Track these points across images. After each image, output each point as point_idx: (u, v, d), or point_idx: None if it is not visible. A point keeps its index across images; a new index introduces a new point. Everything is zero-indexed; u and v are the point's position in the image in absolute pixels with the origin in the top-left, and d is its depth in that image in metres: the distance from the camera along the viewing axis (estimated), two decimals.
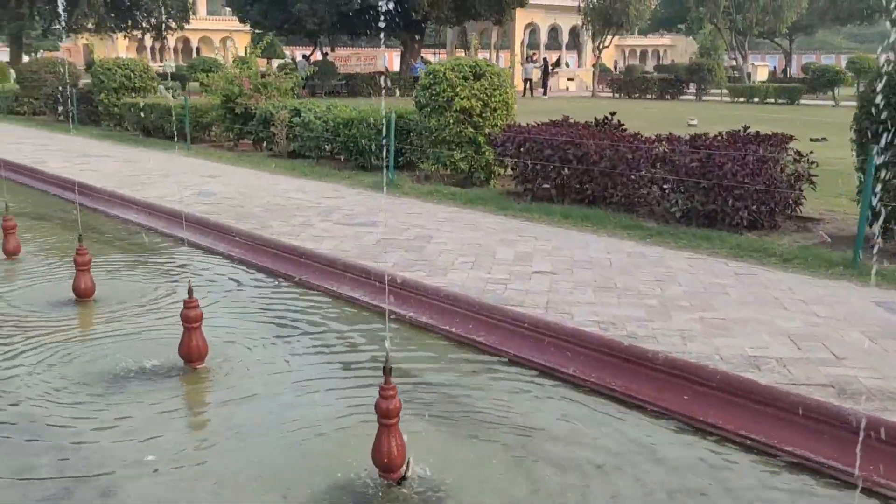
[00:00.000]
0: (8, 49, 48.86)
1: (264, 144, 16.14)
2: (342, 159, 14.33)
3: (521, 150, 10.70)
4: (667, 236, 8.45)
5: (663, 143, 9.63)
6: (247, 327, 5.91)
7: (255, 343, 5.58)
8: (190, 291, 4.98)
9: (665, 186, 9.33)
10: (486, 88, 11.74)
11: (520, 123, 11.53)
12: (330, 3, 36.58)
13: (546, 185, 10.51)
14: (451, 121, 11.70)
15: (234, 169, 13.69)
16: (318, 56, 48.47)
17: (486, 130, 11.74)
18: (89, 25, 40.51)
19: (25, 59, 40.52)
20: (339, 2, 36.36)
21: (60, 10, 35.68)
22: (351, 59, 44.72)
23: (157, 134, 18.73)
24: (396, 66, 54.06)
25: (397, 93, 41.07)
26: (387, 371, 3.64)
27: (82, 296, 6.40)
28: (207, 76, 17.32)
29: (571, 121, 11.34)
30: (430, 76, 12.05)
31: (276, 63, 38.45)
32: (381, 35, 43.31)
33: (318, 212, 9.73)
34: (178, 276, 7.32)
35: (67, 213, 10.58)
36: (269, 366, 5.18)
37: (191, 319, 4.94)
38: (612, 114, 11.45)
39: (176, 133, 18.12)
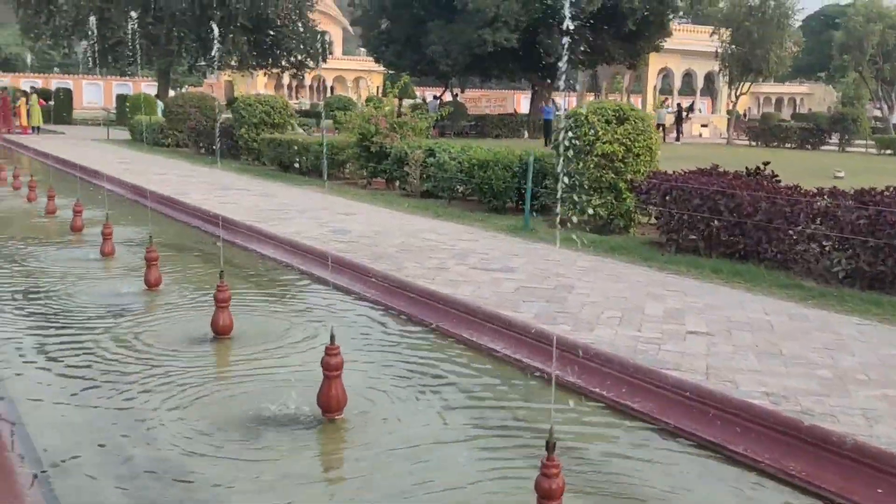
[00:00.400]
0: (156, 83, 51.45)
1: (397, 183, 16.14)
2: (475, 201, 14.13)
3: (667, 198, 10.20)
4: (830, 298, 7.77)
5: (825, 196, 8.95)
6: (383, 376, 5.64)
7: (392, 394, 5.30)
8: (332, 338, 4.75)
9: (826, 244, 8.65)
10: (629, 133, 11.34)
11: (664, 171, 11.03)
12: (464, 45, 36.89)
13: (692, 237, 9.95)
14: (592, 165, 11.33)
15: (368, 207, 13.66)
16: (447, 97, 48.99)
17: (628, 176, 11.31)
18: (232, 63, 42.12)
19: (171, 93, 42.45)
20: (472, 44, 36.62)
21: (214, 48, 37.19)
22: (481, 100, 44.99)
23: (293, 169, 19.05)
24: (523, 108, 54.10)
25: (525, 135, 41.02)
26: (550, 446, 3.27)
27: (220, 333, 6.30)
28: (344, 114, 17.51)
29: (721, 169, 10.77)
30: (572, 119, 11.72)
31: (406, 103, 39.04)
32: (556, 75, 43.36)
33: (452, 254, 9.48)
34: (314, 317, 7.16)
35: (206, 244, 10.70)
36: (409, 421, 4.88)
37: (331, 367, 4.71)
38: (766, 164, 10.83)
39: (311, 169, 18.41)
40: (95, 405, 5.03)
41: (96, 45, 39.19)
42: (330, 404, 4.74)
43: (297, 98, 68.00)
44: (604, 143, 11.26)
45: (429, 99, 47.60)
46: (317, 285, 8.41)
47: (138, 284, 7.96)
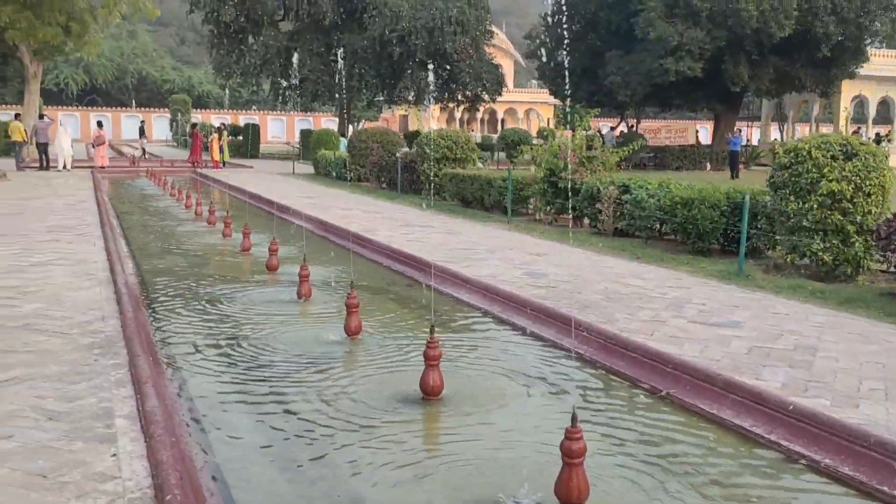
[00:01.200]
0: (335, 118, 53.16)
1: (585, 221, 15.42)
2: (674, 241, 13.22)
3: None
4: None
5: None
6: (620, 457, 4.93)
7: (635, 482, 4.58)
8: (573, 419, 4.09)
9: None
10: (859, 170, 10.17)
11: None
12: (644, 75, 35.80)
13: None
14: (815, 205, 10.24)
15: (560, 247, 13.00)
16: (622, 128, 47.82)
17: (857, 218, 10.14)
18: (410, 97, 42.82)
19: (350, 128, 43.60)
20: (652, 74, 35.47)
21: (431, 84, 37.90)
22: (661, 131, 43.55)
23: (475, 205, 18.70)
24: (701, 138, 52.13)
25: (708, 167, 39.34)
26: None
27: (430, 394, 5.78)
28: (532, 149, 17.01)
29: None
30: (792, 154, 10.66)
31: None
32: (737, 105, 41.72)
33: (665, 304, 8.65)
34: (527, 376, 6.52)
35: (400, 286, 10.34)
36: None
37: (573, 454, 4.05)
38: None
39: (493, 205, 17.97)
40: (307, 477, 4.60)
41: (283, 82, 40.79)
42: (571, 497, 4.08)
43: (469, 131, 68.55)
44: (829, 180, 10.16)
45: (604, 130, 46.60)
46: (522, 337, 7.80)
47: (338, 331, 7.60)
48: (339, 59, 31.83)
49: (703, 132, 60.71)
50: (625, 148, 16.82)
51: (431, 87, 37.82)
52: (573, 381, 6.43)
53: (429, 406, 5.74)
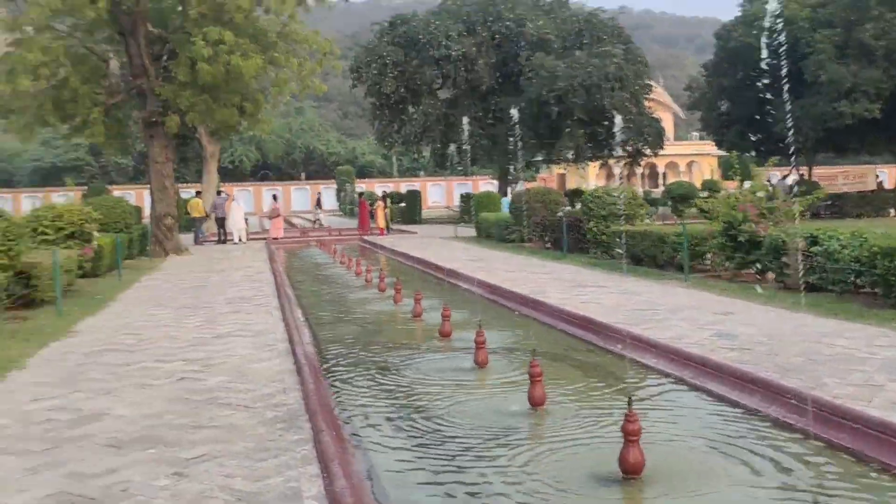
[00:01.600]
0: (493, 180, 53.63)
1: (770, 275, 14.47)
2: (870, 294, 12.13)
3: None
4: None
5: None
6: None
7: None
8: None
9: None
10: None
11: None
12: (816, 120, 34.13)
13: None
14: None
15: (746, 304, 12.18)
16: (794, 176, 45.66)
17: None
18: (569, 156, 42.57)
19: (510, 190, 43.77)
20: (825, 118, 33.77)
21: (618, 136, 37.79)
22: (837, 177, 41.21)
23: (648, 262, 18.01)
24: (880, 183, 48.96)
25: (892, 212, 36.87)
26: None
27: (630, 472, 5.31)
28: (707, 202, 16.28)
29: None
30: None
31: (745, 185, 36.66)
32: None
33: (877, 366, 7.80)
34: (733, 450, 5.93)
35: (580, 352, 9.88)
36: None
37: None
38: None
39: (667, 262, 17.25)
40: None
41: (451, 145, 41.47)
42: None
43: (630, 186, 67.45)
44: None
45: (774, 180, 44.68)
46: (720, 405, 7.18)
47: (519, 402, 7.24)
48: (515, 119, 32.02)
49: (884, 176, 57.13)
50: (808, 197, 15.81)
51: (617, 139, 37.37)
52: (788, 455, 5.78)
53: (631, 486, 5.27)
